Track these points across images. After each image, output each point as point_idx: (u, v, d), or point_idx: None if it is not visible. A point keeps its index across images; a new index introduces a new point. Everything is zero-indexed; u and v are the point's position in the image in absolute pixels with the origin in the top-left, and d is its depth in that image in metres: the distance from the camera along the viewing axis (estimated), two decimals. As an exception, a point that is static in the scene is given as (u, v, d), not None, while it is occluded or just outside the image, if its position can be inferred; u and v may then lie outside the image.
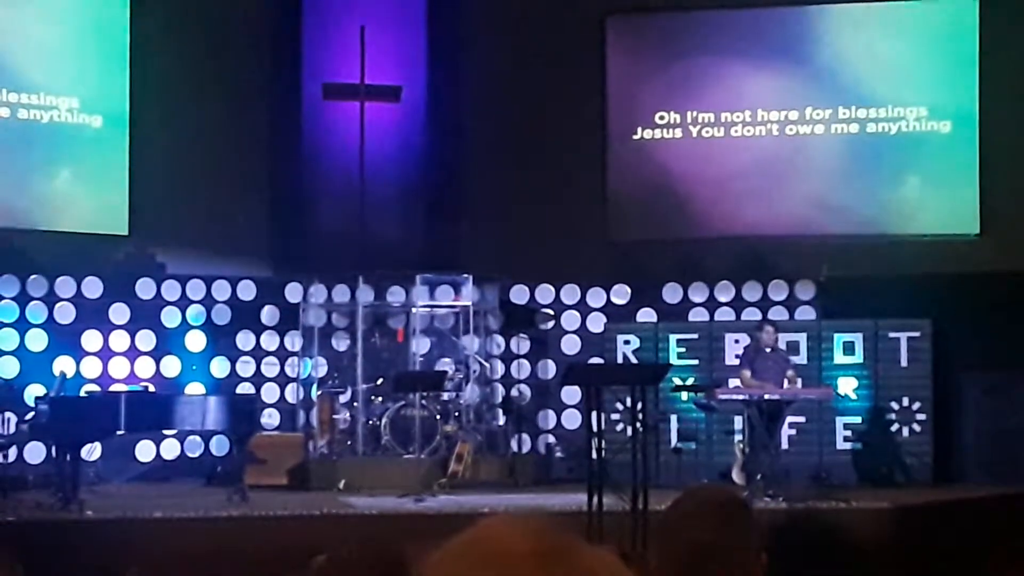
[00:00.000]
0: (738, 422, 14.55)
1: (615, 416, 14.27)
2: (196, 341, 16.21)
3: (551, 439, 16.64)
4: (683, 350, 15.84)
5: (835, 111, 17.05)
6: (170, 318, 16.14)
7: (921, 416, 15.49)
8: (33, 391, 14.57)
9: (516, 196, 17.05)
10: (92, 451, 14.14)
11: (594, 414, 11.32)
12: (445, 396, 15.56)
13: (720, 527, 3.26)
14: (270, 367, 16.51)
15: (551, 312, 16.87)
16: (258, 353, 16.51)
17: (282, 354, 16.56)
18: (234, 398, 14.76)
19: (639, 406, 11.26)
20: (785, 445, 14.74)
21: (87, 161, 16.34)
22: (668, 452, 15.16)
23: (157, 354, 16.02)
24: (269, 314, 16.57)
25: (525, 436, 16.48)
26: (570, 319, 16.84)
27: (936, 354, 15.58)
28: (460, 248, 17.15)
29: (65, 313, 15.68)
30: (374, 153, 16.96)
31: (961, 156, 16.66)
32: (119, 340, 15.86)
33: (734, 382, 14.56)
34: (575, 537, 1.72)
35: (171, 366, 16.06)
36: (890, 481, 15.00)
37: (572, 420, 16.43)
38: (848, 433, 15.54)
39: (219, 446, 15.71)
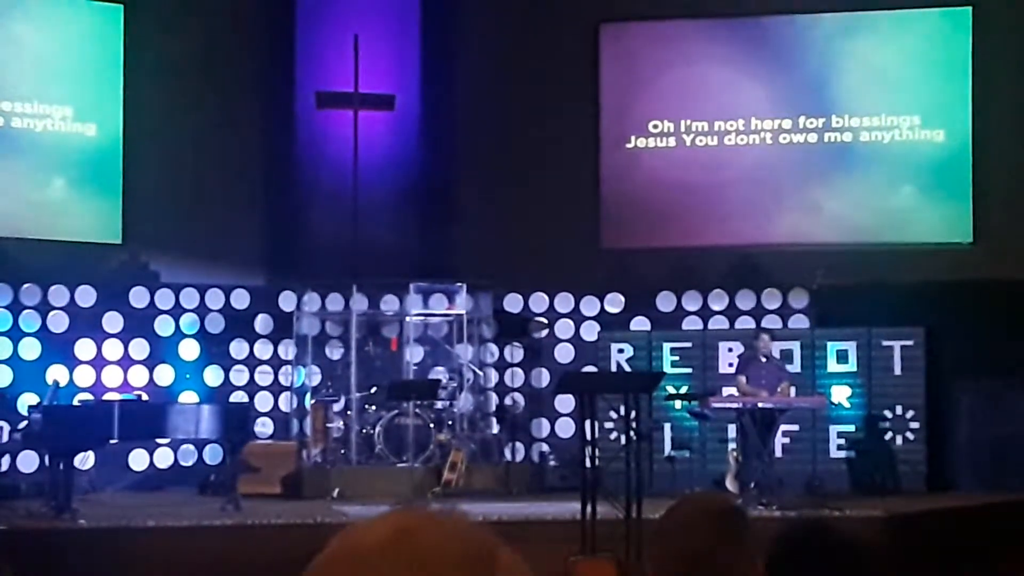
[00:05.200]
0: (731, 430, 14.56)
1: (609, 424, 14.25)
2: (189, 350, 16.20)
3: (545, 447, 16.64)
4: (677, 358, 15.85)
5: (828, 120, 17.07)
6: (163, 327, 16.12)
7: (914, 424, 15.50)
8: (26, 400, 14.57)
9: (510, 204, 17.06)
10: (85, 460, 14.10)
11: (588, 422, 11.32)
12: (439, 405, 15.56)
13: (715, 535, 3.26)
14: (264, 376, 16.51)
15: (545, 321, 16.87)
16: (252, 362, 16.51)
17: (276, 363, 16.55)
18: (228, 407, 14.74)
19: (633, 414, 11.27)
20: (779, 453, 14.77)
21: (81, 170, 16.34)
22: (662, 460, 15.16)
23: (150, 363, 16.01)
24: (263, 323, 16.57)
25: (519, 444, 16.47)
26: (564, 327, 16.85)
27: (929, 362, 15.59)
28: (454, 257, 17.16)
29: (58, 322, 15.67)
30: (368, 161, 16.96)
31: (954, 165, 16.67)
32: (112, 349, 15.85)
33: (728, 390, 14.59)
34: (437, 520, 1.74)
35: (164, 375, 16.05)
36: (884, 489, 15.01)
37: (566, 428, 16.42)
38: (842, 441, 15.54)
39: (212, 455, 15.69)
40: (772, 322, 16.11)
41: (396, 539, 1.69)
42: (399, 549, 1.67)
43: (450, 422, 15.56)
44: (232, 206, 16.85)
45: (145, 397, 15.46)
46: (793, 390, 14.32)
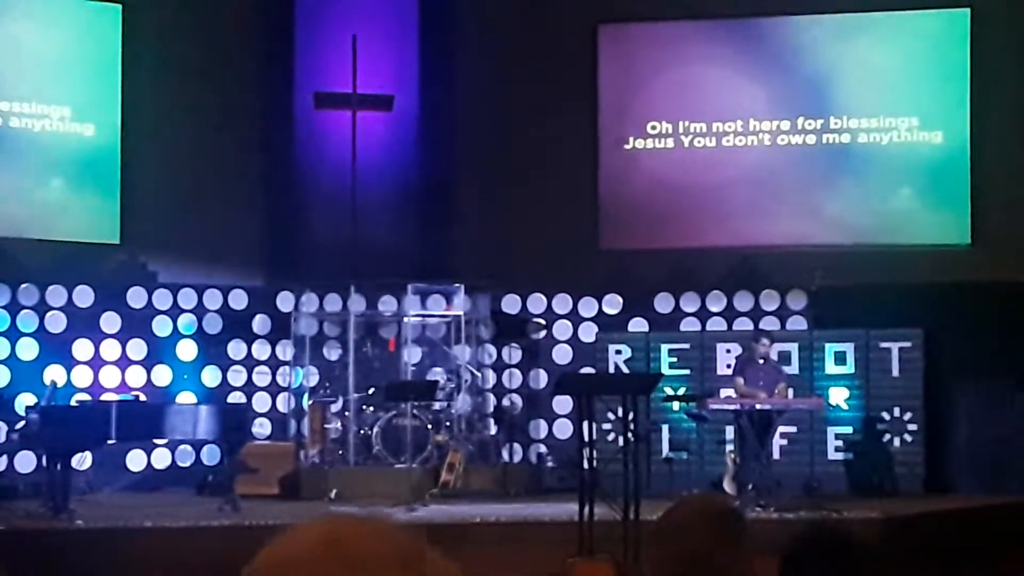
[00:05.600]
0: (729, 432, 14.55)
1: (606, 426, 14.26)
2: (187, 350, 16.20)
3: (543, 449, 16.63)
4: (675, 360, 15.84)
5: (827, 121, 17.06)
6: (161, 327, 16.11)
7: (912, 426, 15.49)
8: (24, 400, 14.57)
9: (508, 205, 17.06)
10: (83, 460, 14.10)
11: (585, 424, 11.32)
12: (436, 405, 15.55)
13: (713, 537, 3.26)
14: (261, 376, 16.50)
15: (543, 322, 16.86)
16: (249, 362, 16.50)
17: (273, 363, 16.55)
18: (225, 407, 14.75)
19: (631, 416, 11.26)
20: (776, 455, 14.76)
21: (79, 170, 16.33)
22: (659, 462, 15.16)
23: (148, 363, 16.00)
24: (260, 323, 16.56)
25: (516, 446, 16.48)
26: (562, 329, 16.84)
27: (927, 364, 15.59)
28: (452, 257, 17.15)
29: (56, 322, 15.66)
30: (366, 162, 16.96)
31: (953, 166, 16.67)
32: (110, 349, 15.84)
33: (726, 392, 14.57)
34: (365, 524, 1.77)
35: (162, 375, 16.04)
36: (881, 491, 15.00)
37: (564, 430, 16.41)
38: (839, 443, 15.54)
39: (210, 455, 15.69)
40: (770, 324, 16.11)
41: (325, 544, 1.70)
42: (329, 554, 1.69)
43: (448, 423, 15.56)
44: (230, 206, 16.84)
45: (143, 397, 15.45)
46: (791, 391, 14.32)
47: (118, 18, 16.53)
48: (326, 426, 15.67)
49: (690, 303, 16.63)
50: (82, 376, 15.62)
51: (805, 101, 17.16)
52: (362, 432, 15.49)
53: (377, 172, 17.08)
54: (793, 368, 15.30)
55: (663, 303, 16.64)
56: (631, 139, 17.46)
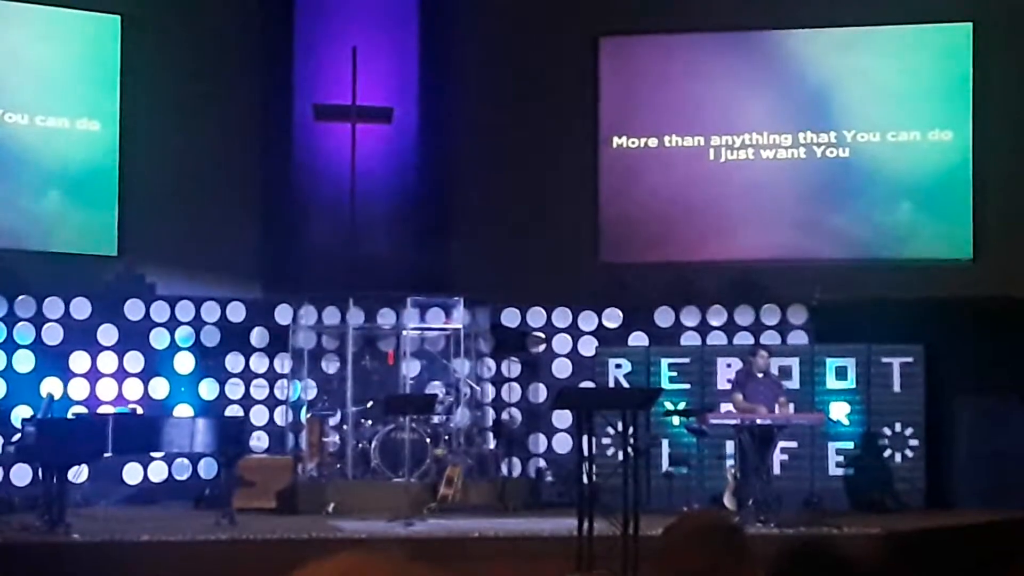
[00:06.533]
0: (729, 447, 14.52)
1: (606, 440, 14.22)
2: (185, 363, 16.15)
3: (542, 463, 16.58)
4: (675, 374, 15.78)
5: (828, 135, 17.04)
6: (159, 339, 16.07)
7: (914, 441, 15.45)
8: (20, 413, 14.49)
9: (507, 219, 17.03)
10: (79, 473, 14.06)
11: (585, 438, 11.27)
12: (435, 419, 15.50)
13: (714, 553, 3.22)
14: (259, 389, 16.45)
15: (542, 335, 16.82)
16: (247, 375, 16.46)
17: (271, 376, 16.50)
18: (223, 420, 14.70)
19: (630, 430, 11.21)
20: (777, 470, 14.71)
21: (77, 181, 16.31)
22: (659, 477, 15.12)
23: (145, 376, 15.95)
24: (259, 336, 16.52)
25: (515, 460, 16.43)
26: (561, 342, 16.79)
27: (929, 379, 15.55)
28: (451, 271, 17.11)
29: (53, 334, 15.61)
30: (365, 175, 16.94)
31: (954, 180, 16.65)
32: (107, 361, 15.79)
33: (726, 407, 14.52)
34: (381, 558, 1.84)
35: (159, 388, 15.99)
36: (882, 507, 14.95)
37: (563, 444, 16.36)
38: (840, 458, 15.49)
39: (207, 469, 15.64)
40: (771, 338, 16.07)
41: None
42: None
43: (446, 437, 15.51)
44: (229, 218, 16.82)
45: (140, 410, 15.41)
46: (791, 406, 14.27)
47: (117, 29, 16.52)
48: (324, 440, 15.63)
49: (690, 317, 16.59)
50: (79, 389, 15.57)
51: (807, 115, 17.14)
52: (360, 446, 15.44)
53: (376, 184, 17.06)
54: (794, 383, 15.26)
55: (663, 317, 16.60)
56: (632, 152, 17.43)
